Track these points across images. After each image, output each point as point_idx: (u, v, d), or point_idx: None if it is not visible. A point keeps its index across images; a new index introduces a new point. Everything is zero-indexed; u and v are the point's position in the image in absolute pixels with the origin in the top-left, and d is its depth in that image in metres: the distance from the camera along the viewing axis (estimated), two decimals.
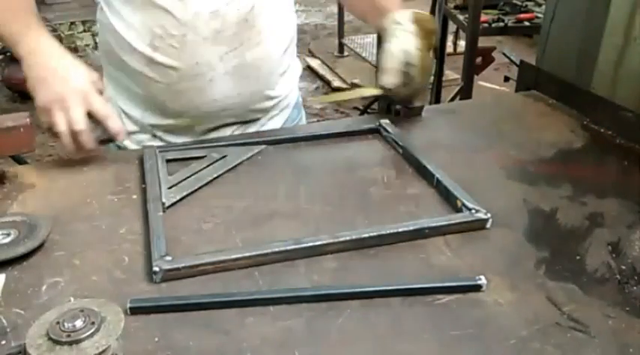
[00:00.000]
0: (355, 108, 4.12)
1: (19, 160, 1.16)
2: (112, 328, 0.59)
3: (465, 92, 2.98)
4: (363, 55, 4.85)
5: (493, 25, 3.08)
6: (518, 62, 1.50)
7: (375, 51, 4.51)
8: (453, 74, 4.41)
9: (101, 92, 1.09)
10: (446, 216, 0.93)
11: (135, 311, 0.75)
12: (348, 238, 0.87)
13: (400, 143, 1.14)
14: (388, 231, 0.88)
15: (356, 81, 4.51)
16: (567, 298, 0.78)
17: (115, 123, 1.06)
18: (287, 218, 0.95)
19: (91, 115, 1.05)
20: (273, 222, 0.94)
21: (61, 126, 1.03)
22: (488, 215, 0.91)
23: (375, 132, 1.22)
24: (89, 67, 1.10)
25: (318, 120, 3.89)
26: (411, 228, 0.89)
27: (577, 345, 0.71)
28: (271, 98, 1.30)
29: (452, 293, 0.78)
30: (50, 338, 0.58)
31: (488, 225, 0.92)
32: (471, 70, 2.98)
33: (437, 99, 3.43)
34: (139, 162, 1.09)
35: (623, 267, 0.84)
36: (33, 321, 0.61)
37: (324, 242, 0.86)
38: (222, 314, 0.75)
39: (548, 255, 0.87)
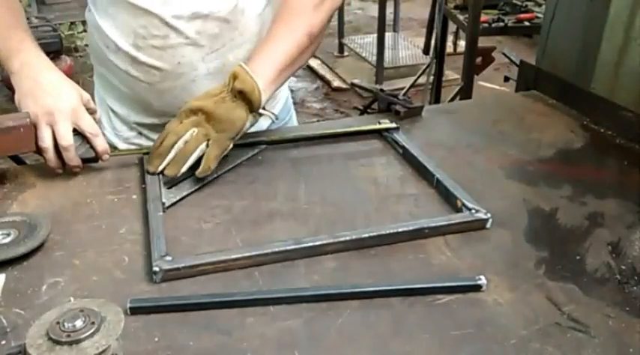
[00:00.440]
0: (355, 108, 4.12)
1: (19, 160, 1.16)
2: (112, 328, 0.59)
3: (465, 92, 2.99)
4: (363, 55, 4.85)
5: (493, 25, 3.08)
6: (518, 62, 1.50)
7: (375, 51, 4.51)
8: (453, 74, 4.42)
9: (93, 112, 1.08)
10: (446, 216, 0.93)
11: (135, 311, 0.75)
12: (347, 238, 0.87)
13: (400, 143, 1.14)
14: (388, 231, 0.88)
15: (356, 81, 4.51)
16: (567, 298, 0.78)
17: (101, 142, 1.05)
18: (287, 218, 0.95)
19: (76, 132, 1.03)
20: (273, 222, 0.94)
21: (46, 141, 1.01)
22: (488, 215, 0.91)
23: (375, 132, 1.22)
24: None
25: (318, 120, 3.89)
26: (411, 228, 0.89)
27: (577, 345, 0.71)
28: None
29: (452, 293, 0.79)
30: (50, 338, 0.58)
31: (488, 225, 0.92)
32: (471, 70, 2.98)
33: (437, 99, 3.43)
34: (139, 162, 1.09)
35: (623, 267, 0.84)
36: (33, 321, 0.61)
37: (324, 242, 0.86)
38: (222, 314, 0.75)
39: (547, 255, 0.87)
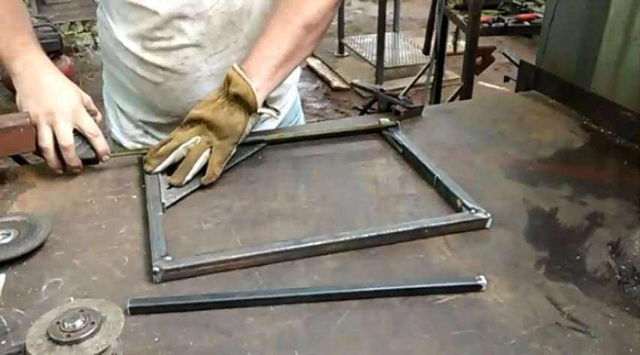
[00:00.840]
0: (355, 108, 4.11)
1: (19, 160, 1.16)
2: (112, 328, 0.59)
3: (465, 92, 2.99)
4: (363, 55, 4.85)
5: (493, 25, 3.08)
6: (518, 62, 1.50)
7: (375, 51, 4.51)
8: (453, 74, 4.42)
9: (93, 114, 1.08)
10: (446, 216, 0.93)
11: (135, 311, 0.75)
12: (347, 238, 0.87)
13: (400, 143, 1.14)
14: (388, 231, 0.88)
15: (356, 81, 4.51)
16: (567, 298, 0.78)
17: (101, 143, 1.06)
18: (287, 218, 0.95)
19: (77, 133, 1.04)
20: (273, 222, 0.94)
21: (47, 141, 1.02)
22: (488, 215, 0.91)
23: (375, 131, 1.22)
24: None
25: (318, 120, 3.89)
26: (411, 228, 0.89)
27: (577, 345, 0.71)
28: None
29: (452, 293, 0.79)
30: (50, 338, 0.58)
31: (488, 225, 0.92)
32: (471, 70, 2.98)
33: (437, 99, 3.43)
34: (139, 163, 1.09)
35: (623, 267, 0.84)
36: (33, 321, 0.61)
37: (324, 242, 0.86)
38: (222, 314, 0.75)
39: (548, 255, 0.87)
